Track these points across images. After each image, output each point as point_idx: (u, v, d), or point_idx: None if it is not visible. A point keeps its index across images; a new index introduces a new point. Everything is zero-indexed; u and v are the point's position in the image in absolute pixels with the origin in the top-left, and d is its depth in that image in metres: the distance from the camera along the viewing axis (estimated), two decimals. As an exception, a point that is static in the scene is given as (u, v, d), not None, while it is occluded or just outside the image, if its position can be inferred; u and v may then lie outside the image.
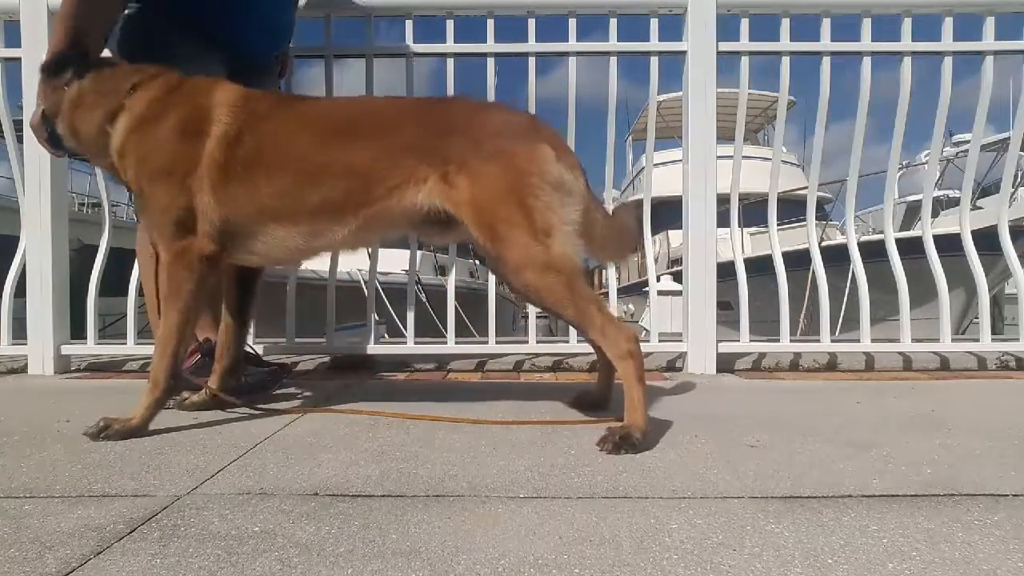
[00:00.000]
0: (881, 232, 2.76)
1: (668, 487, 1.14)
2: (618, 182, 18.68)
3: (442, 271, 10.33)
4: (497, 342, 2.66)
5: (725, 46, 2.52)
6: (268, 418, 1.69)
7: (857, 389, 2.16)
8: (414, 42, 2.59)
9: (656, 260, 3.00)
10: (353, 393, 2.09)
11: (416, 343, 2.70)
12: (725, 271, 2.58)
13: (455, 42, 2.60)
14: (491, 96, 2.64)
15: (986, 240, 2.75)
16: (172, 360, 1.58)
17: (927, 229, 2.68)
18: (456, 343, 2.68)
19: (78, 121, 1.65)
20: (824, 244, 3.30)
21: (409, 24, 2.59)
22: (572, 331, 2.49)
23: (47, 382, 2.40)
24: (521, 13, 2.59)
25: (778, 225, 2.74)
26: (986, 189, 10.52)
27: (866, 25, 2.54)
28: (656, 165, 3.05)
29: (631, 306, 15.53)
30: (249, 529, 0.96)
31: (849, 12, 2.57)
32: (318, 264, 2.12)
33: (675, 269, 12.37)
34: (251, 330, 2.08)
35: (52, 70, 1.66)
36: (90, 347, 2.60)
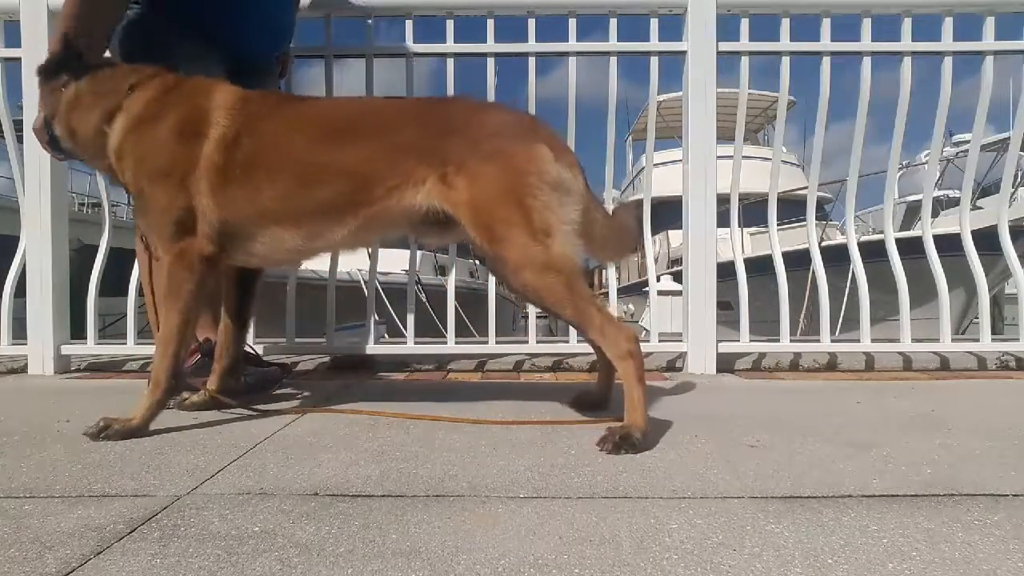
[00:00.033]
0: (881, 232, 2.76)
1: (668, 487, 1.14)
2: (618, 182, 18.67)
3: (442, 271, 10.32)
4: (497, 342, 2.66)
5: (725, 46, 2.52)
6: (268, 418, 1.69)
7: (857, 389, 2.16)
8: (414, 42, 2.59)
9: (656, 260, 3.00)
10: (353, 393, 2.09)
11: (416, 343, 2.69)
12: (725, 271, 2.58)
13: (455, 42, 2.60)
14: (491, 96, 2.64)
15: (986, 240, 2.75)
16: (173, 361, 1.58)
17: (927, 229, 2.68)
18: (456, 343, 2.68)
19: (75, 122, 1.65)
20: (824, 244, 3.30)
21: (409, 24, 2.59)
22: (572, 331, 2.49)
23: (47, 382, 2.40)
24: (521, 13, 2.59)
25: (778, 225, 2.74)
26: (986, 189, 10.52)
27: (866, 25, 2.54)
28: (656, 165, 3.05)
29: (631, 306, 15.53)
30: (249, 529, 0.96)
31: (849, 12, 2.58)
32: (318, 264, 2.12)
33: (675, 269, 12.37)
34: (251, 330, 2.09)
35: (48, 72, 1.66)
36: (90, 347, 2.60)
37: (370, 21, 2.61)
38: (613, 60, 2.59)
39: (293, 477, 1.20)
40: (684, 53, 2.54)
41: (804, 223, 2.75)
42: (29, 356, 2.54)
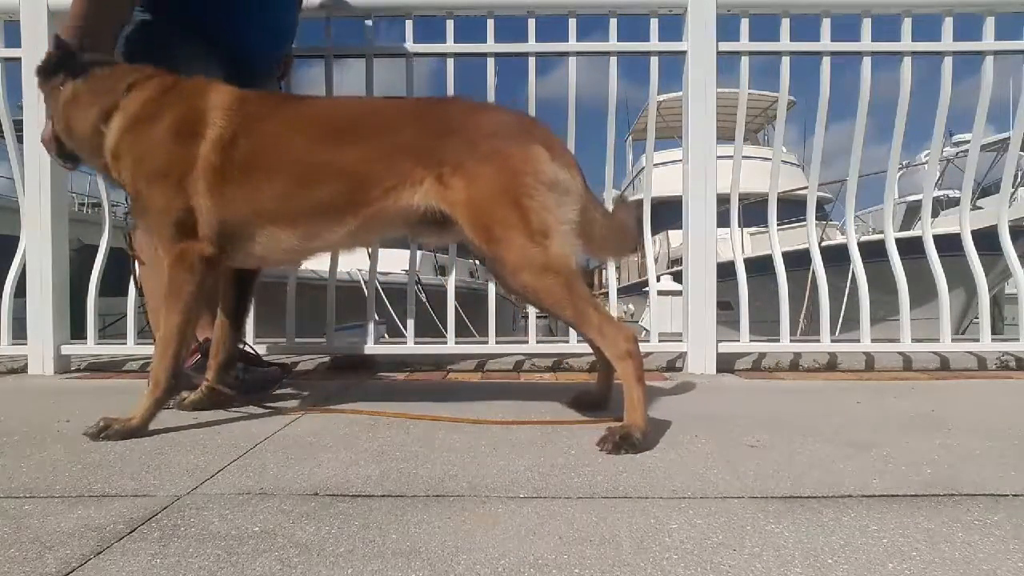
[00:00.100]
0: (881, 232, 2.76)
1: (668, 487, 1.14)
2: (618, 182, 18.62)
3: (442, 271, 10.32)
4: (497, 342, 2.66)
5: (725, 46, 2.52)
6: (268, 418, 1.69)
7: (857, 389, 2.16)
8: (414, 42, 2.59)
9: (656, 260, 3.00)
10: (353, 393, 2.09)
11: (416, 343, 2.69)
12: (725, 271, 2.58)
13: (455, 42, 2.60)
14: (491, 96, 2.64)
15: (986, 240, 2.75)
16: (173, 361, 1.58)
17: (927, 229, 2.68)
18: (456, 343, 2.68)
19: (73, 120, 1.65)
20: (824, 244, 3.30)
21: (409, 24, 2.59)
22: (572, 331, 2.48)
23: (47, 382, 2.40)
24: (521, 13, 2.59)
25: (778, 225, 2.74)
26: (986, 189, 10.52)
27: (866, 25, 2.54)
28: (656, 165, 3.06)
29: (631, 306, 15.53)
30: (249, 529, 0.96)
31: (849, 12, 2.58)
32: (318, 264, 2.12)
33: (675, 269, 12.37)
34: (250, 329, 2.09)
35: (46, 71, 1.66)
36: (90, 347, 2.60)
37: (370, 21, 2.61)
38: (613, 60, 2.59)
39: (293, 477, 1.20)
40: (684, 53, 2.54)
41: (804, 223, 2.75)
42: (29, 356, 2.54)
